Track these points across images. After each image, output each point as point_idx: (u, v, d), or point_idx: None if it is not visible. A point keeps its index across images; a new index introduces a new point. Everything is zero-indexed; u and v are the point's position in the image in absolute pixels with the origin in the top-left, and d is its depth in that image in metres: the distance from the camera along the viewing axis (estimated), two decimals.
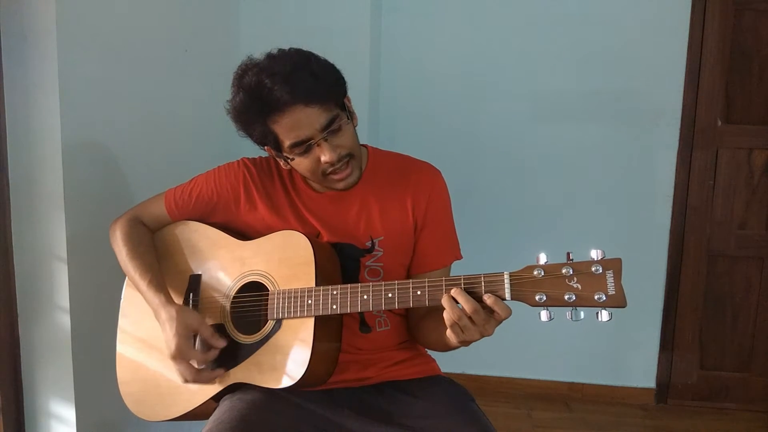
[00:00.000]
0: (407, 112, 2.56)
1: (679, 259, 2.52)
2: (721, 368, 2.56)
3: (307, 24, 2.28)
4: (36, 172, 1.43)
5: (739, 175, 2.44)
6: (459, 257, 1.34)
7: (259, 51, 1.20)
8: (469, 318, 1.03)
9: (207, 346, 1.21)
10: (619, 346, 2.60)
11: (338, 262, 1.25)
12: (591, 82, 2.46)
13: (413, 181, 1.30)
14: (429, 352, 1.38)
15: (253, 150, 1.37)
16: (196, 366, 1.20)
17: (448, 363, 1.47)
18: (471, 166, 2.55)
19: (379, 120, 2.53)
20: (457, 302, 1.04)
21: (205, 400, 1.24)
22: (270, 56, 1.18)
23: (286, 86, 1.11)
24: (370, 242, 1.28)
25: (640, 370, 2.61)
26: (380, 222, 1.28)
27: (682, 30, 2.38)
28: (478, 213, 2.54)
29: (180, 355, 1.18)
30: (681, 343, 2.56)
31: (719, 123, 2.42)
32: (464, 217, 1.43)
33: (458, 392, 1.28)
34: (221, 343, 1.20)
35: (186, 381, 1.20)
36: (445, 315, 1.05)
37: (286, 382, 1.14)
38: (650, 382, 2.61)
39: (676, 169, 2.47)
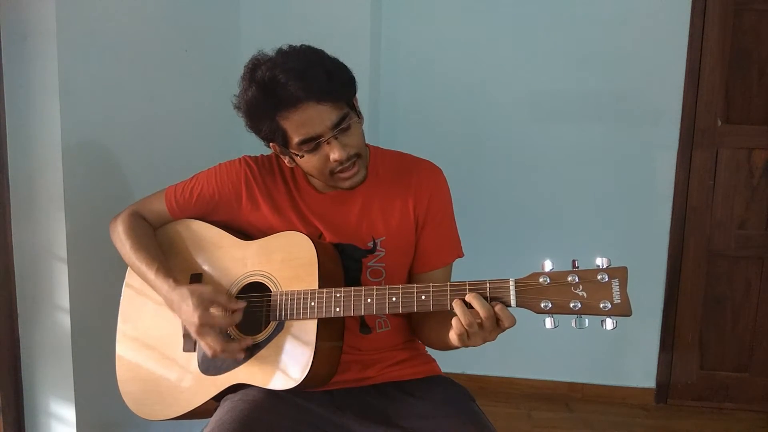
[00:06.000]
0: (407, 112, 2.56)
1: (679, 259, 2.51)
2: (721, 368, 2.56)
3: (307, 24, 2.28)
4: (36, 172, 1.43)
5: (739, 175, 2.44)
6: (461, 255, 1.34)
7: (259, 51, 1.20)
8: (479, 324, 1.03)
9: (229, 312, 1.18)
10: (619, 346, 2.60)
11: (341, 263, 1.24)
12: (591, 82, 2.46)
13: (415, 180, 1.30)
14: (429, 351, 1.38)
15: (253, 150, 1.37)
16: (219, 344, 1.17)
17: (448, 363, 1.47)
18: (471, 166, 2.55)
19: (379, 120, 2.52)
20: (469, 307, 1.04)
21: (206, 400, 1.23)
22: (282, 52, 1.18)
23: (300, 82, 1.11)
24: (372, 242, 1.27)
25: (640, 370, 2.61)
26: (382, 222, 1.28)
27: (682, 30, 2.38)
28: (478, 212, 2.54)
29: (204, 327, 1.15)
30: (681, 343, 2.56)
31: (719, 123, 2.42)
32: (463, 216, 1.43)
33: (458, 392, 1.28)
34: (242, 304, 1.19)
35: (216, 353, 1.16)
36: (455, 321, 1.04)
37: (288, 383, 1.14)
38: (650, 382, 2.61)
39: (676, 169, 2.46)
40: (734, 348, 2.54)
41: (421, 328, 1.30)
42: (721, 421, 2.48)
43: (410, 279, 1.34)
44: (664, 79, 2.42)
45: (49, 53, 1.37)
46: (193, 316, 1.16)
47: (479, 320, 1.02)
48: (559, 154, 2.52)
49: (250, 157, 1.35)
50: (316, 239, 1.22)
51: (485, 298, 1.04)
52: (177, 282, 1.22)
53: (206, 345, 1.17)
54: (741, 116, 2.42)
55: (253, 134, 1.23)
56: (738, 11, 2.35)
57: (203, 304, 1.16)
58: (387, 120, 2.55)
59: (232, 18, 2.29)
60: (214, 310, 1.18)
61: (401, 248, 1.29)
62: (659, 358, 2.58)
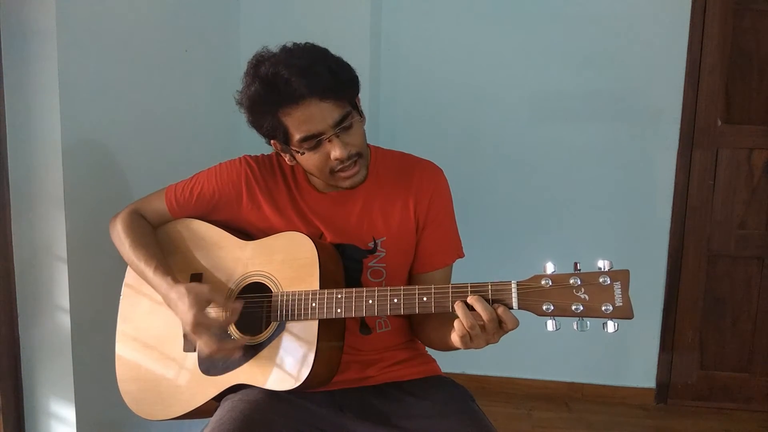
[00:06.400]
0: (407, 112, 2.56)
1: (679, 259, 2.51)
2: (721, 368, 2.56)
3: (307, 24, 2.28)
4: (36, 172, 1.43)
5: (739, 175, 2.44)
6: (461, 255, 1.34)
7: (263, 47, 1.20)
8: (482, 326, 1.03)
9: (226, 313, 1.17)
10: (619, 346, 2.60)
11: (341, 264, 1.24)
12: (591, 82, 2.46)
13: (416, 180, 1.30)
14: (429, 351, 1.38)
15: (253, 149, 1.37)
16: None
17: (448, 363, 1.47)
18: (471, 166, 2.55)
19: (379, 120, 2.52)
20: (471, 309, 1.04)
21: (206, 400, 1.23)
22: (286, 49, 1.17)
23: (304, 79, 1.11)
24: (373, 243, 1.27)
25: (640, 370, 2.61)
26: (383, 222, 1.28)
27: (682, 30, 2.38)
28: (478, 212, 2.54)
29: (199, 326, 1.15)
30: (681, 343, 2.56)
31: (719, 123, 2.42)
32: (464, 216, 1.43)
33: (458, 392, 1.28)
34: (239, 304, 1.18)
35: (210, 353, 1.16)
36: (457, 323, 1.05)
37: (289, 384, 1.14)
38: (650, 382, 2.61)
39: (676, 169, 2.46)
40: (734, 348, 2.54)
41: (422, 328, 1.30)
42: (721, 421, 2.48)
43: (410, 279, 1.34)
44: (664, 79, 2.42)
45: (49, 53, 1.37)
46: (188, 315, 1.15)
47: (481, 322, 1.03)
48: (558, 155, 2.52)
49: (250, 156, 1.35)
50: (317, 240, 1.22)
51: (487, 300, 1.04)
52: (175, 280, 1.22)
53: (202, 344, 1.17)
54: (741, 116, 2.42)
55: (254, 131, 1.23)
56: (738, 11, 2.35)
57: (199, 303, 1.16)
58: (387, 120, 2.55)
59: (232, 18, 2.29)
60: (212, 310, 1.18)
61: (402, 249, 1.29)
62: (659, 358, 2.58)
